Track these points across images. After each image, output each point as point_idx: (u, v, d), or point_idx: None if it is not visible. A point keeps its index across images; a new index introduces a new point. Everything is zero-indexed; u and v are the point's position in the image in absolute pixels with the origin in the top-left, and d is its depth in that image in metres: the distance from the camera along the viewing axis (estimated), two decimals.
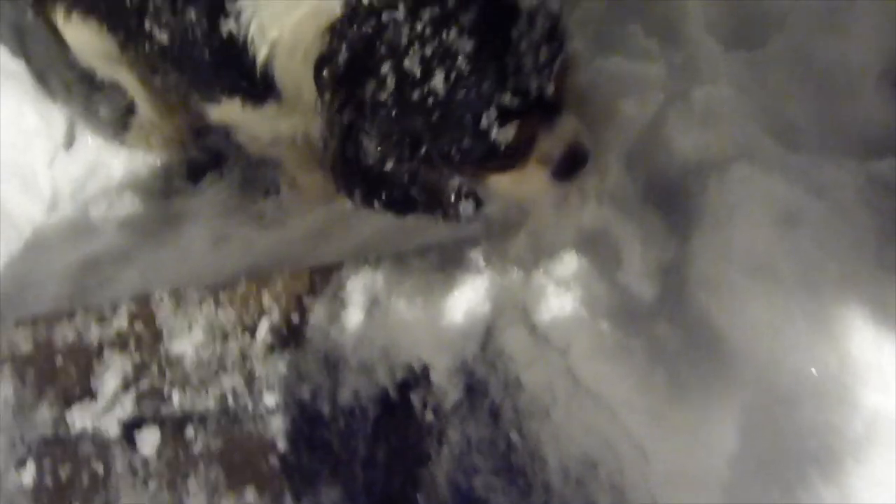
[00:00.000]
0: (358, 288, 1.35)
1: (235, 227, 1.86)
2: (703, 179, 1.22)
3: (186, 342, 1.43)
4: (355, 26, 1.17)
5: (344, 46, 1.18)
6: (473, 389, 1.29)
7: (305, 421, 1.34)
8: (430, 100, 1.11)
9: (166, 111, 2.11)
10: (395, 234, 1.64)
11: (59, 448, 1.41)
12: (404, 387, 1.33)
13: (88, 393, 1.44)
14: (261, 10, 1.31)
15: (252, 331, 1.42)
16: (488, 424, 1.27)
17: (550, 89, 1.16)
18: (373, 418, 1.32)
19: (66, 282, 1.77)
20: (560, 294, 1.17)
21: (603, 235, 1.21)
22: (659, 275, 1.16)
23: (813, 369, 0.93)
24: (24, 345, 1.51)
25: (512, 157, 1.21)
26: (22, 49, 2.28)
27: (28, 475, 1.40)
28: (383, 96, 1.14)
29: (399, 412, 1.32)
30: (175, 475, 1.35)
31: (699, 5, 1.67)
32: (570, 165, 1.25)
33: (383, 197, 1.30)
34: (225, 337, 1.43)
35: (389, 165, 1.22)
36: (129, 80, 2.04)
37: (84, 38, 1.82)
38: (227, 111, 1.61)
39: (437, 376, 1.30)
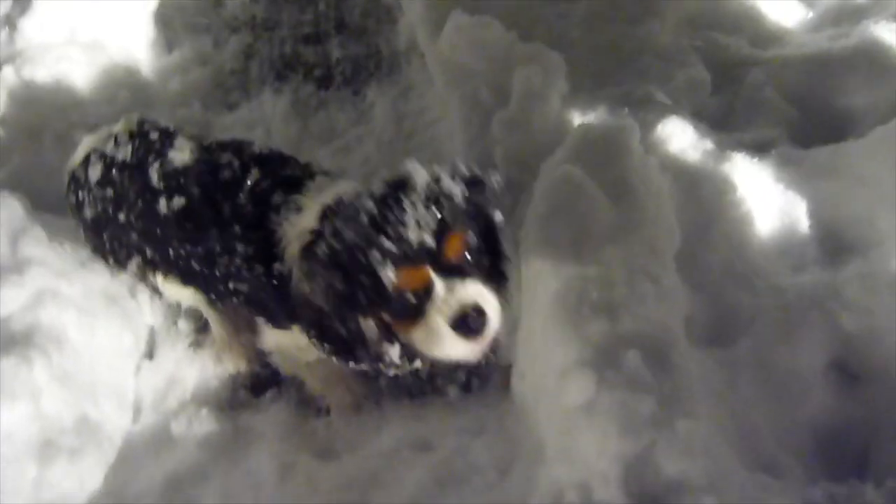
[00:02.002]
0: None
1: (296, 453, 2.25)
2: None
3: None
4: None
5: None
6: None
7: None
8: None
9: (234, 331, 2.53)
10: (434, 487, 2.05)
11: None
12: None
13: None
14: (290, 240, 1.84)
15: None
16: None
17: (429, 244, 1.55)
18: None
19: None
20: None
21: None
22: None
23: None
24: None
25: (409, 307, 1.58)
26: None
27: None
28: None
29: None
30: None
31: (678, 313, 2.11)
32: (468, 323, 1.56)
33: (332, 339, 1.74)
34: None
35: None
36: (206, 310, 2.47)
37: (178, 294, 2.27)
38: (278, 336, 2.09)
39: None
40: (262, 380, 2.51)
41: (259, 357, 2.53)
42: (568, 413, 1.85)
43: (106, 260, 2.30)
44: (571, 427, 1.83)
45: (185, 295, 2.29)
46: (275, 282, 1.90)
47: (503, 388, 2.34)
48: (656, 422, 1.74)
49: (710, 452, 1.74)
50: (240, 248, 1.93)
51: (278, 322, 2.08)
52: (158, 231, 2.03)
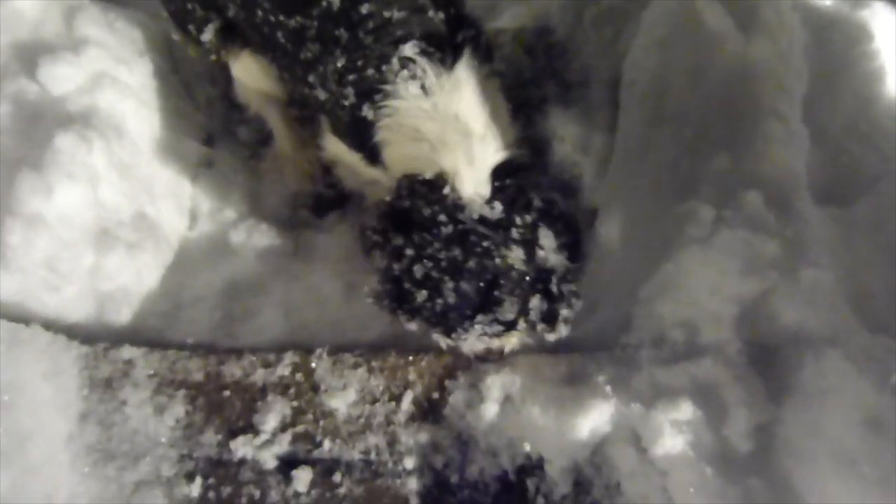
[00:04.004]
0: (497, 385, 1.63)
1: (362, 275, 2.11)
2: (800, 356, 1.50)
3: (340, 399, 1.71)
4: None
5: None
6: (580, 485, 1.59)
7: (436, 486, 1.63)
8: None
9: (300, 146, 2.35)
10: None
11: (222, 469, 1.69)
12: (521, 472, 1.62)
13: (251, 427, 1.72)
14: (392, 127, 1.60)
15: (398, 399, 1.70)
16: None
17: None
18: (493, 493, 1.62)
19: (214, 309, 2.02)
20: (674, 435, 1.46)
21: (714, 390, 1.49)
22: (755, 433, 1.45)
23: None
24: (196, 374, 1.78)
25: None
26: (172, 62, 2.49)
27: (196, 489, 1.68)
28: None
29: (515, 493, 1.61)
30: None
31: (802, 158, 1.91)
32: (484, 357, 1.67)
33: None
34: (374, 401, 1.71)
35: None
36: (273, 117, 2.28)
37: (253, 75, 2.06)
38: (340, 146, 1.87)
39: (551, 469, 1.60)
40: (326, 200, 2.35)
41: (323, 177, 2.36)
42: (675, 250, 1.68)
43: (183, 26, 2.05)
44: (678, 264, 1.66)
45: (257, 76, 2.06)
46: (356, 113, 1.65)
47: (585, 232, 2.17)
48: (779, 266, 1.58)
49: (832, 305, 1.58)
50: (340, 60, 1.62)
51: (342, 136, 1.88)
52: None
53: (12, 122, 1.94)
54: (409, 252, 1.48)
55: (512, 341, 1.63)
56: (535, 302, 1.49)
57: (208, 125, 2.45)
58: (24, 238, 1.75)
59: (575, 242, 1.58)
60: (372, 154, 1.69)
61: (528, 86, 2.45)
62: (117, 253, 1.89)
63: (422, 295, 1.47)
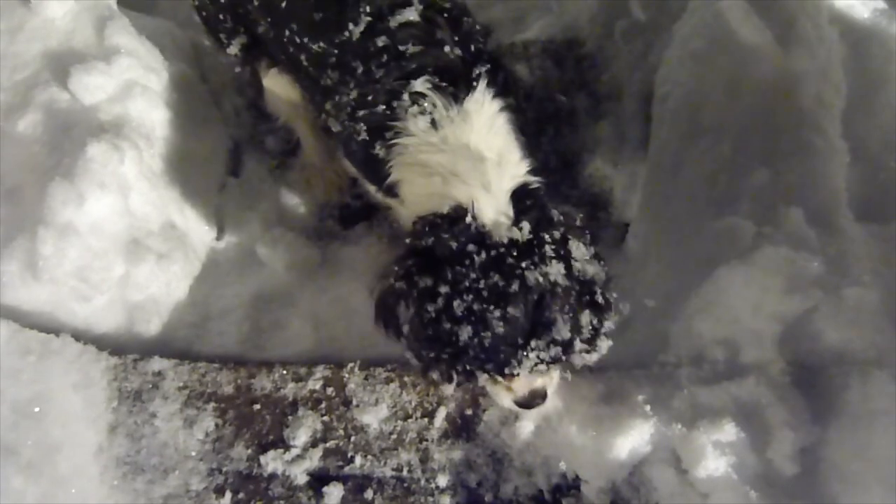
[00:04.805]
0: None
1: None
2: (845, 377, 1.47)
3: (372, 414, 1.68)
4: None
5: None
6: None
7: None
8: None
9: (328, 157, 2.34)
10: None
11: (252, 484, 1.67)
12: (557, 492, 1.59)
13: (281, 441, 1.70)
14: (404, 165, 1.56)
15: (430, 416, 1.68)
16: None
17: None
18: None
19: (243, 320, 2.01)
20: (716, 457, 1.42)
21: (757, 412, 1.45)
22: (800, 456, 1.41)
23: None
24: (227, 387, 1.76)
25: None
26: (199, 71, 2.49)
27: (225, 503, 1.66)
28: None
29: None
30: None
31: (843, 174, 1.88)
32: (528, 404, 1.51)
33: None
34: (406, 416, 1.69)
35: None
36: (302, 127, 2.27)
37: (283, 87, 2.07)
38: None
39: (587, 490, 1.57)
40: (353, 212, 2.33)
41: (350, 188, 2.34)
42: (714, 266, 1.66)
43: (214, 33, 2.06)
44: (718, 281, 1.63)
45: (287, 88, 2.06)
46: (370, 151, 1.61)
47: (615, 247, 2.15)
48: (822, 284, 1.54)
49: (877, 325, 1.54)
50: (352, 93, 1.61)
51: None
52: (283, 4, 1.76)
53: (44, 131, 1.93)
54: (443, 289, 1.36)
55: (554, 377, 1.53)
56: (586, 317, 1.39)
57: (236, 135, 2.43)
58: (56, 248, 1.74)
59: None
60: (390, 191, 1.65)
61: (558, 98, 2.43)
62: (147, 263, 1.88)
63: (466, 331, 1.34)
